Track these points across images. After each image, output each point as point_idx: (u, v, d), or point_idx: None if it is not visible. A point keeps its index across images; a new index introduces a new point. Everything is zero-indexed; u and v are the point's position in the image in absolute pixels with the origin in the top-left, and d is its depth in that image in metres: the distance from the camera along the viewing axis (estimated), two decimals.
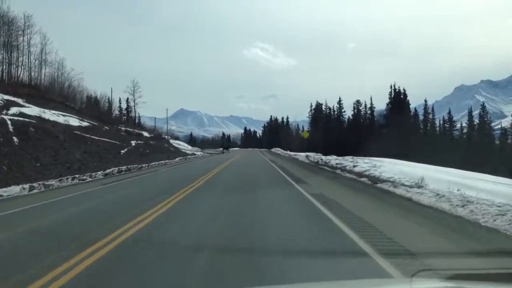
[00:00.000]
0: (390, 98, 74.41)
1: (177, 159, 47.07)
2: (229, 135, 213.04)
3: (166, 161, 41.41)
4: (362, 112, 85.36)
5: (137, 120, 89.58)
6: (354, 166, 29.06)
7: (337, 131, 78.70)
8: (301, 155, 46.57)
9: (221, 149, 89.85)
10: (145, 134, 60.90)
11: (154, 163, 35.37)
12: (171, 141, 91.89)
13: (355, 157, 35.71)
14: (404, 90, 72.07)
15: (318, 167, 28.57)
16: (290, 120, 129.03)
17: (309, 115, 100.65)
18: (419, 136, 68.81)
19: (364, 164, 29.88)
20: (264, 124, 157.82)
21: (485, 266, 5.24)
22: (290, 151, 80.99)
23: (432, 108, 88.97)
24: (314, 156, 42.50)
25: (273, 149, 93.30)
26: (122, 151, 36.25)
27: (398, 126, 64.36)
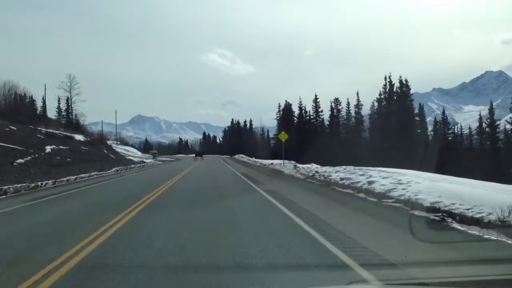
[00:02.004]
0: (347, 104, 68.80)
1: (113, 169, 35.39)
2: (187, 140, 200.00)
3: (96, 173, 29.97)
4: (342, 113, 75.90)
5: (83, 122, 76.46)
6: (370, 183, 18.75)
7: (313, 134, 68.39)
8: (278, 164, 35.78)
9: (194, 155, 79.82)
10: (79, 137, 48.74)
11: (71, 177, 23.92)
12: (115, 146, 79.78)
13: (355, 168, 25.87)
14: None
15: (335, 190, 18.15)
16: (255, 124, 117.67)
17: (277, 116, 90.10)
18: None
19: (380, 178, 19.71)
20: (225, 129, 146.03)
21: None
22: (256, 157, 70.47)
23: None
24: (302, 167, 32.16)
25: (237, 156, 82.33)
26: (20, 160, 24.27)
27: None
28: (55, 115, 78.60)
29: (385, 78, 65.33)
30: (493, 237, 7.03)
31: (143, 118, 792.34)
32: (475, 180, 21.10)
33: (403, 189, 16.06)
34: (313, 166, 28.54)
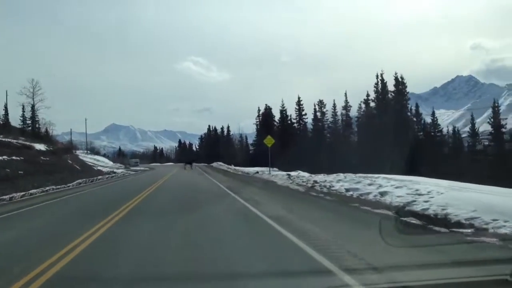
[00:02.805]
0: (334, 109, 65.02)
1: (75, 182, 31.05)
2: (162, 149, 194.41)
3: (53, 187, 25.81)
4: (327, 116, 72.12)
5: (51, 132, 70.92)
6: (382, 195, 15.83)
7: (296, 139, 64.44)
8: (265, 172, 32.00)
9: (184, 164, 73.68)
10: (39, 147, 43.90)
11: (16, 194, 19.68)
12: (84, 156, 74.91)
13: (358, 175, 22.51)
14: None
15: (359, 210, 14.46)
16: (232, 130, 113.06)
17: (257, 121, 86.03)
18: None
19: (393, 188, 16.62)
20: (201, 136, 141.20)
21: None
22: (235, 165, 66.70)
23: None
24: (296, 176, 28.61)
25: (215, 164, 78.28)
26: None
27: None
28: (20, 124, 72.97)
29: (377, 77, 61.32)
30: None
31: (118, 127, 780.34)
32: (498, 187, 17.83)
33: (425, 201, 13.53)
34: (307, 175, 24.88)
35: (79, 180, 32.56)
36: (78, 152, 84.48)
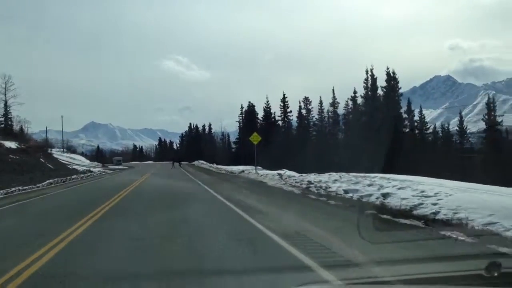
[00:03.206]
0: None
1: (46, 182, 28.81)
2: (141, 147, 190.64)
3: (19, 188, 23.65)
4: (313, 113, 70.18)
5: (26, 129, 67.90)
6: (385, 196, 14.38)
7: (281, 137, 62.33)
8: (251, 171, 30.16)
9: (171, 162, 70.05)
10: (9, 145, 41.27)
11: None
12: (60, 154, 72.24)
13: (353, 175, 20.98)
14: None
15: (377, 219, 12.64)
16: (214, 128, 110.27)
17: (239, 119, 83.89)
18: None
19: (395, 189, 15.24)
20: (182, 134, 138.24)
21: None
22: (217, 163, 64.72)
23: None
24: (288, 176, 26.80)
25: (196, 162, 75.99)
26: None
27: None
28: None
29: (367, 72, 57.92)
30: None
31: (97, 125, 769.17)
32: (505, 187, 16.38)
33: (433, 204, 12.33)
34: (296, 174, 23.08)
35: (51, 180, 30.27)
36: (54, 150, 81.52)
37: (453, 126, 70.43)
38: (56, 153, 76.94)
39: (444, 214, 11.97)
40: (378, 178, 19.66)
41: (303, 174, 22.57)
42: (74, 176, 37.48)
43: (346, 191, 15.65)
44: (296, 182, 17.31)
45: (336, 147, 52.08)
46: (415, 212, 12.75)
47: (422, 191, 14.92)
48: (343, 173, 23.66)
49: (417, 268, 4.99)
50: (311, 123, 70.46)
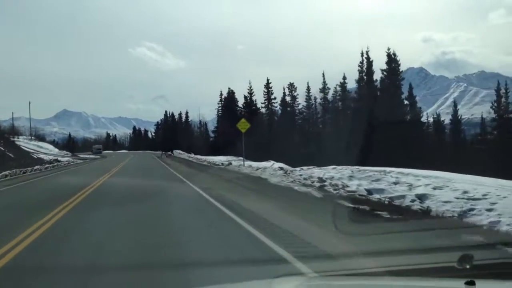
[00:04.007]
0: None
1: (1, 174, 24.93)
2: (115, 135, 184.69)
3: None
4: (299, 100, 65.68)
5: None
6: (421, 199, 11.49)
7: (264, 126, 58.53)
8: (240, 164, 26.89)
9: (161, 152, 65.70)
10: None
11: None
12: (27, 142, 67.79)
13: (369, 170, 18.13)
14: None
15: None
16: (191, 117, 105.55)
17: (218, 106, 79.71)
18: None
19: (430, 188, 12.58)
20: (158, 122, 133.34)
21: None
22: (195, 153, 61.29)
23: None
24: (290, 170, 23.56)
25: (158, 153, 72.35)
26: None
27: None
28: None
29: (362, 54, 52.20)
30: None
31: (69, 113, 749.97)
32: None
33: (488, 209, 9.80)
34: (294, 168, 19.89)
35: (6, 172, 26.33)
36: (21, 138, 76.84)
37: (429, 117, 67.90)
38: (23, 141, 72.45)
39: (508, 225, 9.11)
40: (396, 173, 16.74)
41: (304, 168, 19.43)
42: (37, 167, 33.52)
43: (369, 191, 12.60)
44: (304, 179, 14.10)
45: (325, 137, 48.59)
46: (465, 220, 9.86)
47: (465, 192, 12.08)
48: (354, 167, 20.59)
49: None
50: (297, 111, 66.28)
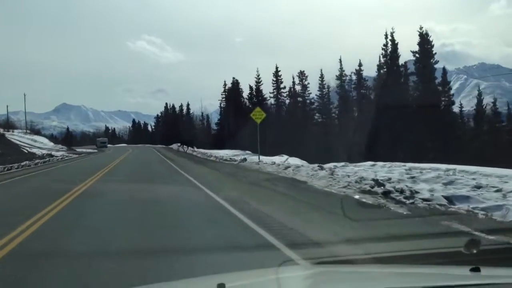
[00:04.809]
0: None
1: None
2: (114, 129, 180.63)
3: None
4: (310, 89, 60.93)
5: None
6: None
7: (272, 117, 54.05)
8: (259, 161, 23.46)
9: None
10: None
11: None
12: (20, 136, 64.55)
13: (428, 167, 14.17)
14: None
15: None
16: (193, 109, 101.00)
17: (222, 97, 75.56)
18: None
19: None
20: (157, 115, 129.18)
21: None
22: (197, 147, 57.47)
23: None
24: (326, 168, 19.91)
25: (174, 146, 68.44)
26: None
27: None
28: None
29: (386, 36, 46.90)
30: None
31: (69, 107, 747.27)
32: None
33: None
34: (314, 165, 16.11)
35: None
36: (16, 132, 73.74)
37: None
38: (18, 134, 69.26)
39: None
40: (457, 171, 13.17)
41: (337, 165, 15.84)
42: (25, 163, 29.93)
43: (449, 199, 8.96)
44: (356, 183, 10.43)
45: (342, 128, 44.44)
46: None
47: None
48: (395, 163, 17.02)
49: None
50: (308, 101, 61.06)
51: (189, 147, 48.41)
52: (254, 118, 24.11)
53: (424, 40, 42.33)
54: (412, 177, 11.51)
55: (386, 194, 9.43)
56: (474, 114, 48.56)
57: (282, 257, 4.75)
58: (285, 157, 33.36)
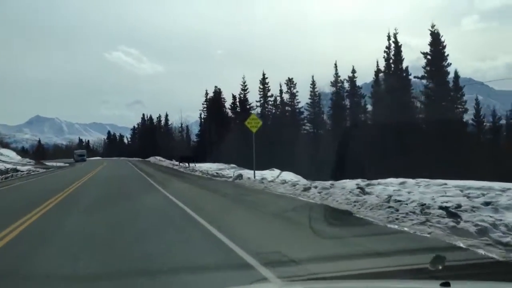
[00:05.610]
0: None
1: None
2: (88, 141, 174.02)
3: None
4: (298, 98, 57.73)
5: None
6: None
7: (262, 128, 50.13)
8: (250, 177, 20.01)
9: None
10: None
11: None
12: None
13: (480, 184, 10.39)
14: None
15: None
16: (171, 121, 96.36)
17: (203, 108, 71.11)
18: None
19: None
20: (134, 127, 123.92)
21: None
22: (176, 160, 53.64)
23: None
24: (284, 178, 16.56)
25: (152, 159, 64.28)
26: None
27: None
28: None
29: (389, 38, 43.83)
30: None
31: (42, 119, 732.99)
32: None
33: None
34: (315, 183, 12.68)
35: None
36: None
37: None
38: None
39: None
40: None
41: (358, 183, 12.41)
42: None
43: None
44: (422, 214, 7.03)
45: (336, 139, 40.91)
46: None
47: None
48: (430, 180, 13.87)
49: None
50: (297, 110, 57.57)
51: (190, 164, 41.71)
52: (249, 127, 20.59)
53: (436, 40, 38.84)
54: (487, 203, 8.22)
55: (484, 232, 6.11)
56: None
57: None
58: (277, 171, 30.02)
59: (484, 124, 42.86)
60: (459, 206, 8.24)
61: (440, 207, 7.94)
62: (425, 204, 8.34)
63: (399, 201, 8.77)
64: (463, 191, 10.67)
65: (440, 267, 2.77)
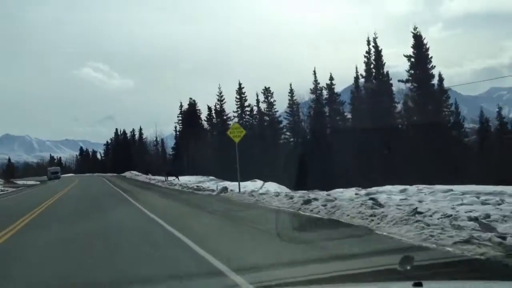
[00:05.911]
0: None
1: None
2: (60, 158, 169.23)
3: None
4: (276, 107, 56.73)
5: None
6: None
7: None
8: (235, 191, 18.76)
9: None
10: None
11: None
12: None
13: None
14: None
15: None
16: (145, 134, 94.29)
17: (178, 120, 69.75)
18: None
19: None
20: (107, 142, 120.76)
21: None
22: (152, 174, 52.39)
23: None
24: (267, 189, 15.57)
25: (128, 174, 62.21)
26: None
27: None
28: None
29: (368, 43, 43.16)
30: None
31: (12, 138, 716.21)
32: None
33: None
34: (296, 193, 11.63)
35: None
36: None
37: None
38: None
39: None
40: None
41: (369, 192, 11.29)
42: None
43: None
44: (454, 228, 5.92)
45: (318, 148, 39.91)
46: None
47: None
48: (434, 186, 12.89)
49: None
50: (275, 120, 56.12)
51: (174, 177, 40.73)
52: (231, 137, 19.37)
53: (419, 42, 38.08)
54: (507, 217, 7.15)
55: None
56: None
57: None
58: (260, 182, 28.92)
59: (464, 128, 42.48)
60: (487, 216, 7.16)
61: (470, 218, 6.83)
62: (451, 215, 7.22)
63: (420, 212, 7.63)
64: (479, 198, 9.64)
65: (409, 267, 2.71)
